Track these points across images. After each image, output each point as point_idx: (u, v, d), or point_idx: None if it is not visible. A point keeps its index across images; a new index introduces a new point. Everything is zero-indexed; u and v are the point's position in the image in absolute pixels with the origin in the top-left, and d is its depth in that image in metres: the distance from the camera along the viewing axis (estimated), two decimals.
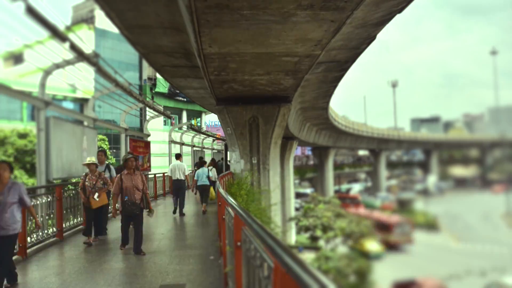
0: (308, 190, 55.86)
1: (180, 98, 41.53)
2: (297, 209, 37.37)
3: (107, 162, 9.20)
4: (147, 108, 18.24)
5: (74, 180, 11.22)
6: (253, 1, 5.32)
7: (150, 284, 4.90)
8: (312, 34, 6.60)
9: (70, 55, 9.08)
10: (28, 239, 6.72)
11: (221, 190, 5.65)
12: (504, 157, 72.46)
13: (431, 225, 42.78)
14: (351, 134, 39.73)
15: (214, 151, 35.62)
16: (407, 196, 53.53)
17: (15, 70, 35.69)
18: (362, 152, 77.46)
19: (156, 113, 18.37)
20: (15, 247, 6.33)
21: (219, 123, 14.98)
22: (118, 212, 6.88)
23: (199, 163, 13.32)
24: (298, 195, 49.28)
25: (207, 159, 33.42)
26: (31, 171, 24.36)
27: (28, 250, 6.60)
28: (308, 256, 22.77)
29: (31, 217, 6.98)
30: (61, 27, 7.61)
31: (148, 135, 19.07)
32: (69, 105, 35.04)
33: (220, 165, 18.81)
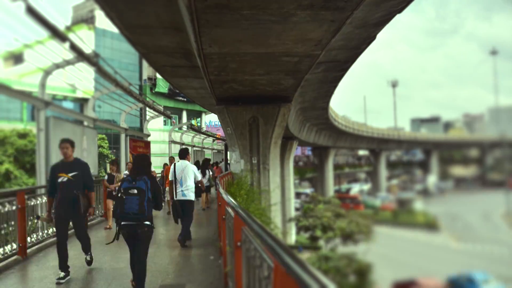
0: (308, 190, 55.88)
1: (180, 98, 41.52)
2: (297, 209, 37.39)
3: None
4: (147, 108, 18.25)
5: None
6: (253, 1, 5.32)
7: (150, 284, 4.89)
8: (312, 34, 6.60)
9: (70, 55, 9.09)
10: (28, 239, 6.72)
11: (221, 190, 5.65)
12: (504, 157, 72.43)
13: (431, 225, 42.81)
14: (351, 134, 39.75)
15: (214, 151, 35.63)
16: (407, 196, 53.56)
17: (15, 70, 35.70)
18: (362, 152, 77.48)
19: (156, 113, 18.38)
20: (16, 247, 6.34)
21: (219, 123, 14.99)
22: None
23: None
24: (298, 195, 49.32)
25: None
26: (31, 171, 24.37)
27: (28, 250, 6.60)
28: (307, 256, 22.77)
29: (31, 217, 6.98)
30: (61, 27, 7.62)
31: (148, 135, 19.08)
32: (69, 105, 35.03)
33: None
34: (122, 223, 4.28)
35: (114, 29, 8.50)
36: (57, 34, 6.92)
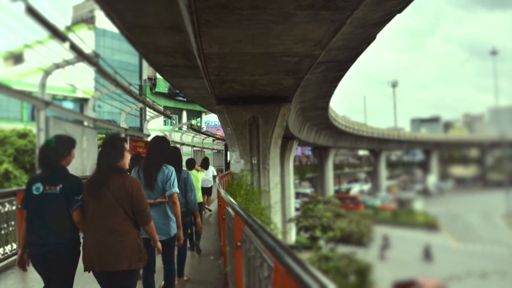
0: (308, 190, 55.87)
1: (180, 98, 41.52)
2: (297, 209, 37.38)
3: None
4: (147, 108, 18.25)
5: None
6: (253, 1, 5.32)
7: None
8: (312, 34, 6.60)
9: (70, 55, 9.08)
10: None
11: (221, 190, 5.65)
12: (504, 157, 72.44)
13: (431, 225, 42.81)
14: (351, 134, 39.74)
15: (214, 151, 35.61)
16: (407, 196, 53.56)
17: (15, 70, 35.71)
18: (362, 152, 77.53)
19: (156, 113, 18.38)
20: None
21: (219, 123, 14.98)
22: None
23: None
24: (298, 195, 49.29)
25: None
26: (31, 171, 24.35)
27: None
28: (307, 256, 22.78)
29: None
30: (61, 27, 7.61)
31: (148, 135, 19.07)
32: (69, 105, 35.02)
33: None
34: None
35: (114, 29, 8.50)
36: (57, 34, 6.92)
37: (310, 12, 5.65)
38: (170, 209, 3.86)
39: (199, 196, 6.99)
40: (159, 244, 3.25)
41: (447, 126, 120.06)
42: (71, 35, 8.17)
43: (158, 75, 37.04)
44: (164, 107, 32.27)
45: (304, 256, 22.77)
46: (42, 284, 5.16)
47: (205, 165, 10.68)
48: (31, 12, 6.03)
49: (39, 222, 2.97)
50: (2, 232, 6.01)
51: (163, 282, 4.24)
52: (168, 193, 3.78)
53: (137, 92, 17.45)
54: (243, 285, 2.86)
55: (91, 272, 3.29)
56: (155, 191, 3.81)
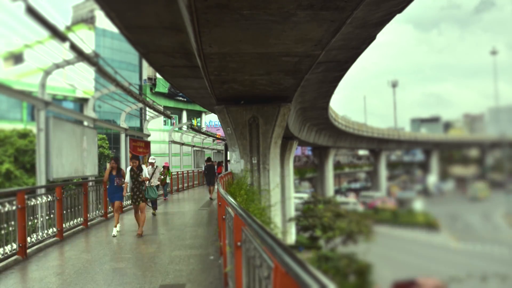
0: (308, 190, 55.85)
1: (180, 98, 41.53)
2: (301, 201, 37.29)
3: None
4: (147, 108, 18.26)
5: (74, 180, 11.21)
6: (253, 1, 5.32)
7: (150, 284, 4.90)
8: (312, 34, 6.61)
9: (70, 55, 9.09)
10: (28, 239, 6.72)
11: (221, 190, 5.65)
12: (504, 157, 72.42)
13: (431, 225, 42.81)
14: (351, 134, 39.73)
15: (214, 151, 35.64)
16: (407, 196, 53.53)
17: (15, 70, 35.71)
18: (362, 152, 77.56)
19: (156, 113, 18.39)
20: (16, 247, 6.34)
21: (219, 123, 15.00)
22: None
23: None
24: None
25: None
26: (31, 171, 24.35)
27: (28, 250, 6.60)
28: (307, 256, 22.76)
29: (31, 217, 6.98)
30: (61, 27, 7.62)
31: (148, 135, 19.08)
32: (69, 105, 35.00)
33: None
34: None
35: (114, 29, 8.51)
36: (57, 34, 6.93)
37: (310, 12, 5.65)
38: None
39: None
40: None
41: (447, 126, 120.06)
42: (71, 35, 8.18)
43: (158, 75, 37.05)
44: (164, 107, 32.26)
45: (304, 256, 22.77)
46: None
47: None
48: (31, 12, 6.03)
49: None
50: (2, 232, 6.01)
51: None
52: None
53: (137, 92, 17.45)
54: (243, 285, 2.86)
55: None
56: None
